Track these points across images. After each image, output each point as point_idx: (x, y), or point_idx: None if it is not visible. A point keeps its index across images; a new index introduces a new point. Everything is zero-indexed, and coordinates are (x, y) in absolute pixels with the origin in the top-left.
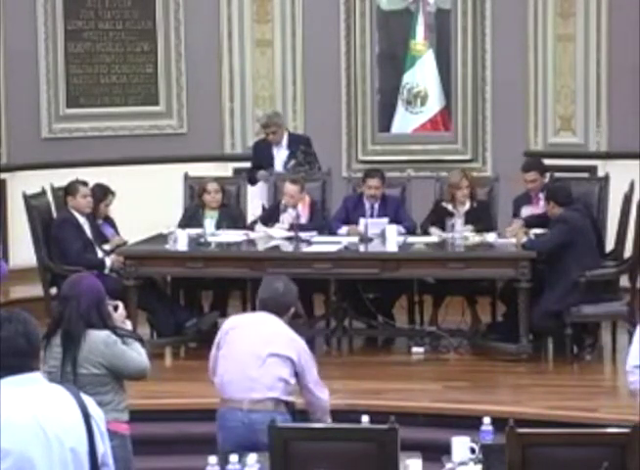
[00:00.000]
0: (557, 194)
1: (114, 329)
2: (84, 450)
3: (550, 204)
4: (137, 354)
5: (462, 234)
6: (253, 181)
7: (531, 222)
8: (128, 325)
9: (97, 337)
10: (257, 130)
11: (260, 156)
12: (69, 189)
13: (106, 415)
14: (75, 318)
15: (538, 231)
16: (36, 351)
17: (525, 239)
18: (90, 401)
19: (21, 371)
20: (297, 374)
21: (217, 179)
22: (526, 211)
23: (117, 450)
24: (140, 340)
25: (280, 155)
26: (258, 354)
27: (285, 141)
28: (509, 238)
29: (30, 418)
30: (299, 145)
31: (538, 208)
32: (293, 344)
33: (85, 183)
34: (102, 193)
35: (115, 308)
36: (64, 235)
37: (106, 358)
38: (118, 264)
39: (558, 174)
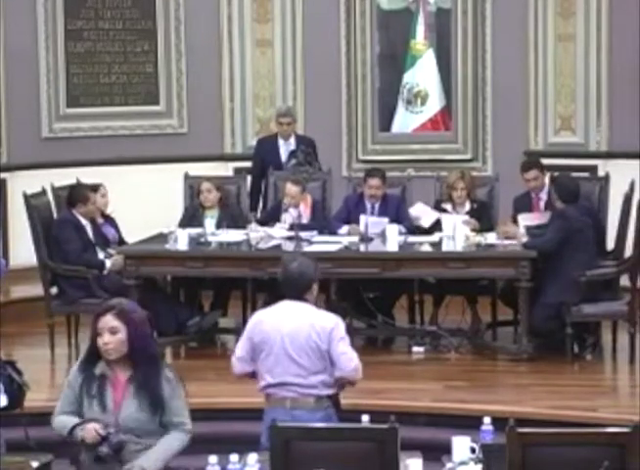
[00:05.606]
0: (561, 190)
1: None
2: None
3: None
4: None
5: (462, 234)
6: (256, 184)
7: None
8: None
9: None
10: (259, 129)
11: (265, 153)
12: (84, 197)
13: None
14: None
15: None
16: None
17: (525, 239)
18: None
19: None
20: (329, 353)
21: (212, 179)
22: (524, 221)
23: None
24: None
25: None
26: (291, 356)
27: (293, 141)
28: (501, 236)
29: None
30: (303, 146)
31: (538, 213)
32: (317, 329)
33: (95, 189)
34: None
35: None
36: (63, 235)
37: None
38: (119, 266)
39: (556, 174)
